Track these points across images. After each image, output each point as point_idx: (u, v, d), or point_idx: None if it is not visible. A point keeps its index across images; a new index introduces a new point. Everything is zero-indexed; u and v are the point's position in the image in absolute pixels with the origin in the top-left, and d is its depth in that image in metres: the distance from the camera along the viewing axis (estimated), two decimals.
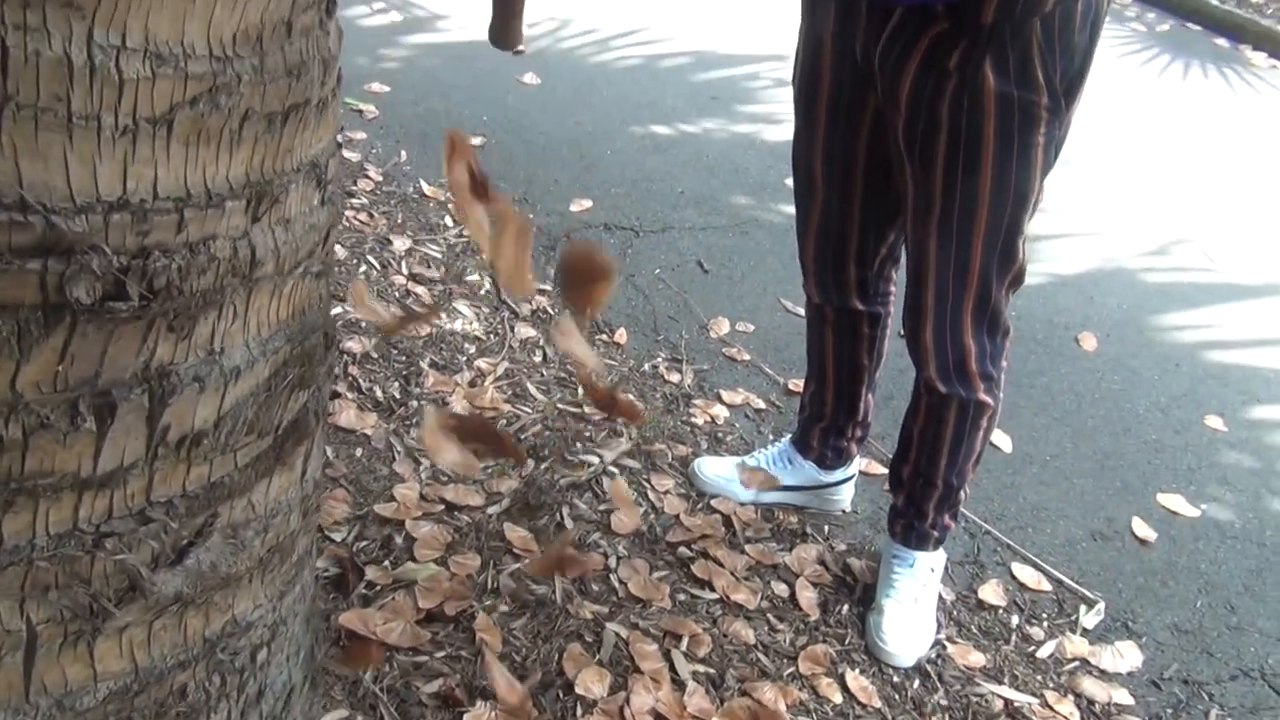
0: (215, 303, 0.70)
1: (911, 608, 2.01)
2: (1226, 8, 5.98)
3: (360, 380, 2.37)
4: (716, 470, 2.31)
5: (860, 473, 2.39)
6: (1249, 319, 3.37)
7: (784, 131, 4.17)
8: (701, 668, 1.86)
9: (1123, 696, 2.01)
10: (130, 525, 0.70)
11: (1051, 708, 1.95)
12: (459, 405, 2.35)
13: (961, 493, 2.01)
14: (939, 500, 2.00)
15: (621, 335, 2.80)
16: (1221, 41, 5.87)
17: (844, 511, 2.34)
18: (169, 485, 0.73)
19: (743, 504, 2.27)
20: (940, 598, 2.11)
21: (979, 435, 1.91)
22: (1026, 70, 1.52)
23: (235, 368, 0.74)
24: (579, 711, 1.71)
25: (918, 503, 2.01)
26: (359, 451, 2.17)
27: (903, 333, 1.89)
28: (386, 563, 1.90)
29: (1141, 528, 2.44)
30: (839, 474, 2.28)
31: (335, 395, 2.28)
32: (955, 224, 1.65)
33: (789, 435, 2.32)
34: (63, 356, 0.62)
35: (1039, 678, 2.02)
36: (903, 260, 1.95)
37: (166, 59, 0.61)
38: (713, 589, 2.05)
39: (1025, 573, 2.25)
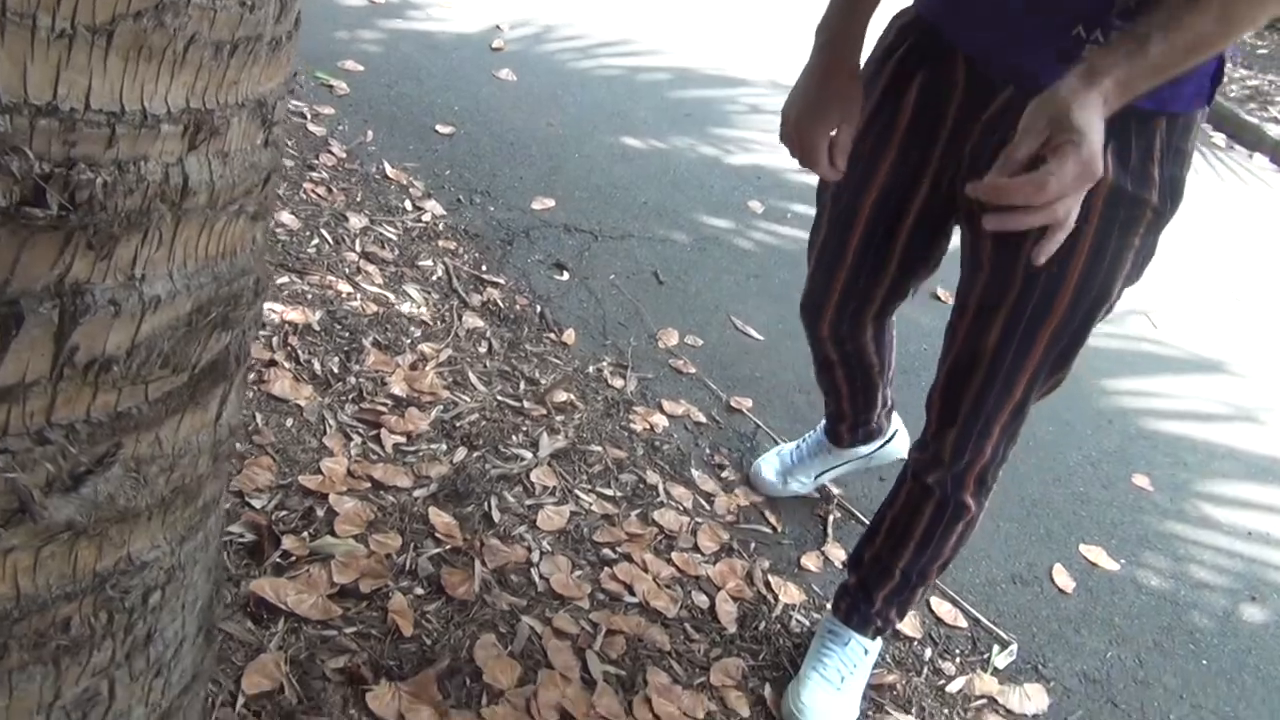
0: (140, 226, 0.69)
1: (836, 686, 1.91)
2: None
3: (299, 351, 2.33)
4: (773, 474, 2.43)
5: (796, 496, 2.43)
6: (1185, 389, 3.44)
7: (753, 156, 4.20)
8: (613, 669, 1.86)
9: None
10: (26, 444, 0.68)
11: None
12: (398, 386, 2.33)
13: (918, 591, 1.91)
14: (891, 591, 1.90)
15: (570, 336, 2.79)
16: None
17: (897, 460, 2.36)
18: (72, 408, 0.71)
19: (804, 495, 2.44)
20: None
21: (952, 539, 1.80)
22: (1145, 166, 1.39)
23: (155, 297, 0.72)
24: (484, 700, 1.69)
25: (869, 588, 1.92)
26: (289, 422, 2.14)
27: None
28: (305, 534, 1.87)
29: (1061, 576, 2.48)
30: (879, 440, 2.37)
31: (272, 363, 2.25)
32: (1024, 322, 1.50)
33: (821, 424, 2.39)
34: None
35: (946, 711, 2.04)
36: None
37: None
38: (633, 593, 2.04)
39: (943, 608, 2.27)
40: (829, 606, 2.03)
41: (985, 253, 1.53)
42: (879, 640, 2.00)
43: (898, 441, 2.42)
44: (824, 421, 2.38)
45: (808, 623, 2.13)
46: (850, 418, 2.27)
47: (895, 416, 2.40)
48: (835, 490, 2.49)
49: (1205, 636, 2.41)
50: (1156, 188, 1.41)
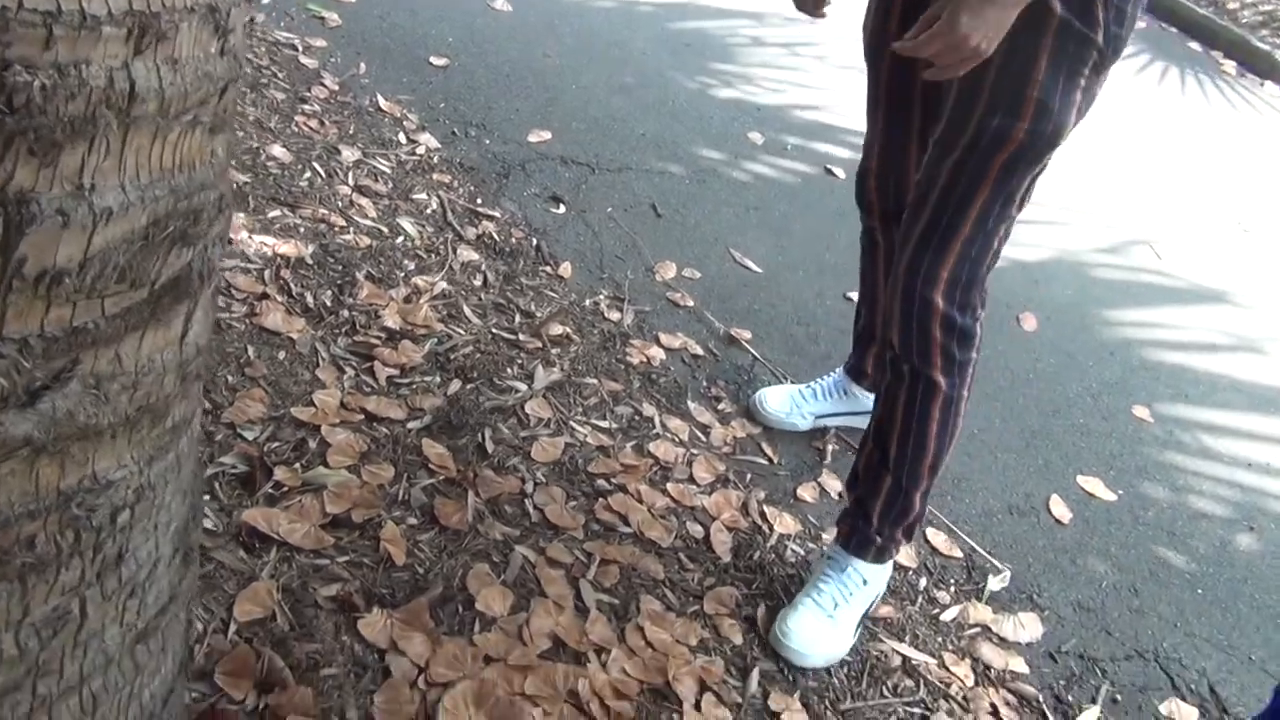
0: (85, 133, 0.67)
1: (828, 613, 1.90)
2: (1203, 12, 6.00)
3: (292, 284, 2.32)
4: (778, 404, 2.45)
5: (794, 430, 2.42)
6: (1188, 320, 3.42)
7: (753, 89, 4.14)
8: (606, 597, 1.86)
9: (1019, 665, 2.04)
10: None
11: (948, 669, 1.98)
12: (391, 319, 2.31)
13: (914, 502, 1.89)
14: (886, 502, 1.89)
15: (566, 269, 2.77)
16: (1195, 45, 5.90)
17: None
18: (24, 322, 0.70)
19: (803, 432, 2.45)
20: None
21: (932, 426, 1.81)
22: (1089, 8, 1.52)
23: (107, 208, 0.70)
24: (477, 627, 1.70)
25: (865, 504, 1.91)
26: (282, 355, 2.13)
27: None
28: (297, 465, 1.87)
29: (1058, 506, 2.47)
30: None
31: (264, 296, 2.24)
32: (982, 148, 1.61)
33: (842, 366, 2.46)
34: None
35: (939, 639, 2.05)
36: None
37: None
38: (627, 523, 2.04)
39: (938, 538, 2.27)
40: (831, 535, 2.02)
41: (950, 95, 1.66)
42: (880, 570, 1.98)
43: None
44: (848, 358, 2.43)
45: (802, 552, 2.13)
46: (879, 340, 2.31)
47: None
48: (833, 423, 2.48)
49: (1201, 566, 2.41)
50: (1101, 30, 1.54)
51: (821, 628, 1.89)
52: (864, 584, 1.95)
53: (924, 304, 1.72)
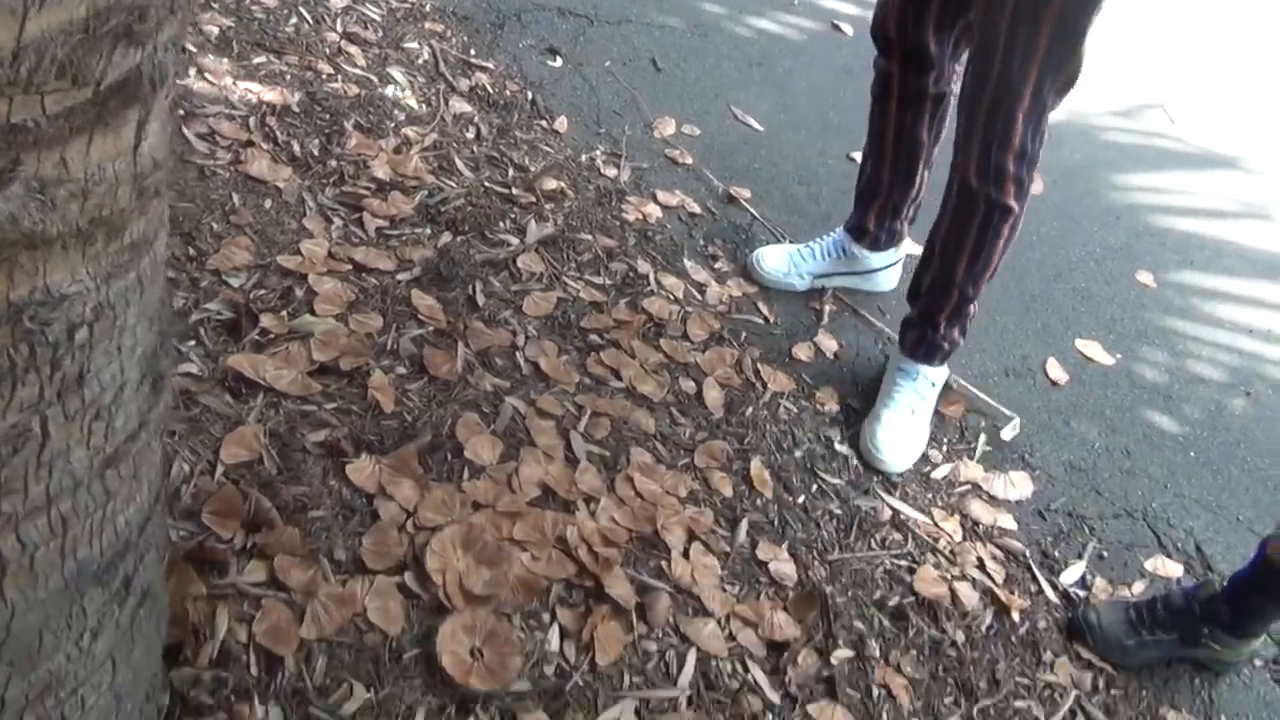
0: None
1: (907, 419, 2.08)
2: None
3: (278, 132, 2.25)
4: (775, 263, 2.42)
5: (791, 290, 2.39)
6: (1198, 186, 3.33)
7: None
8: (597, 449, 1.86)
9: (1007, 521, 2.05)
10: None
11: (937, 524, 1.99)
12: (380, 170, 2.25)
13: (972, 306, 2.08)
14: (952, 311, 2.06)
15: (562, 123, 2.69)
16: None
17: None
18: None
19: (800, 292, 2.43)
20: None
21: (999, 243, 1.96)
22: None
23: None
24: (466, 475, 1.70)
25: (931, 314, 2.08)
26: (268, 203, 2.08)
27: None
28: (284, 313, 1.84)
29: (1055, 369, 2.46)
30: (889, 256, 2.43)
31: (249, 144, 2.17)
32: (1028, 8, 1.70)
33: (843, 225, 2.42)
34: None
35: (930, 496, 2.06)
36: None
37: None
38: (619, 378, 2.03)
39: None
40: (895, 345, 2.18)
41: None
42: (944, 371, 2.16)
43: (894, 273, 2.46)
44: (849, 218, 2.40)
45: (795, 410, 2.12)
46: (883, 195, 2.30)
47: (906, 245, 2.42)
48: (831, 283, 2.44)
49: (1195, 430, 2.41)
50: None
51: (904, 432, 2.06)
52: (932, 386, 2.13)
53: (1003, 140, 1.81)
